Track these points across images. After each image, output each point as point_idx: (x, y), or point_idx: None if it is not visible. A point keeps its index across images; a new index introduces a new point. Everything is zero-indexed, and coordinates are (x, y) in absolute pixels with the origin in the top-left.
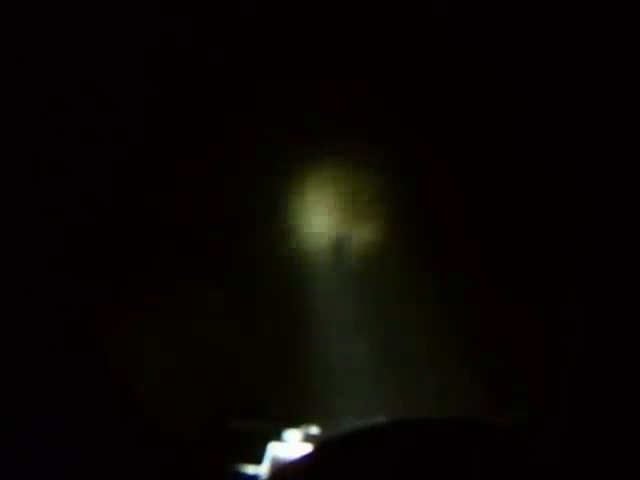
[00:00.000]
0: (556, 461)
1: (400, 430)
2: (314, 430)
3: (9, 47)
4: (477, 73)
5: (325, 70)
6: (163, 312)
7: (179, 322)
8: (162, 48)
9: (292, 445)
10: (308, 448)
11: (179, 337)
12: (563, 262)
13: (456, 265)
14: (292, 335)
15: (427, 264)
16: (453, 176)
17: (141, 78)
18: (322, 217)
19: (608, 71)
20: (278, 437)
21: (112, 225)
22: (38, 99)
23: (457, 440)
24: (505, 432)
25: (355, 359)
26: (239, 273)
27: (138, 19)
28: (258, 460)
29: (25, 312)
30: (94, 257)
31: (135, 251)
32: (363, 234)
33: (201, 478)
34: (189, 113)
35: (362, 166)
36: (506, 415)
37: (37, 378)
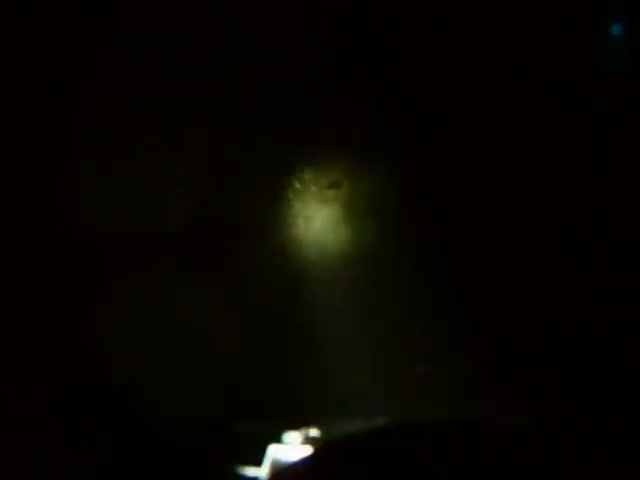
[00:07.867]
0: (556, 462)
1: (401, 431)
2: (314, 432)
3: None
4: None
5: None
6: (163, 312)
7: (179, 322)
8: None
9: (292, 447)
10: (309, 450)
11: (179, 337)
12: (566, 262)
13: (457, 265)
14: (292, 336)
15: (427, 264)
16: (451, 175)
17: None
18: (323, 218)
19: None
20: (278, 439)
21: (114, 226)
22: None
23: (457, 441)
24: (505, 433)
25: (355, 359)
26: (240, 274)
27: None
28: (258, 462)
29: (23, 310)
30: (92, 251)
31: (135, 251)
32: (364, 234)
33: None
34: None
35: (361, 169)
36: (506, 416)
37: (33, 376)
